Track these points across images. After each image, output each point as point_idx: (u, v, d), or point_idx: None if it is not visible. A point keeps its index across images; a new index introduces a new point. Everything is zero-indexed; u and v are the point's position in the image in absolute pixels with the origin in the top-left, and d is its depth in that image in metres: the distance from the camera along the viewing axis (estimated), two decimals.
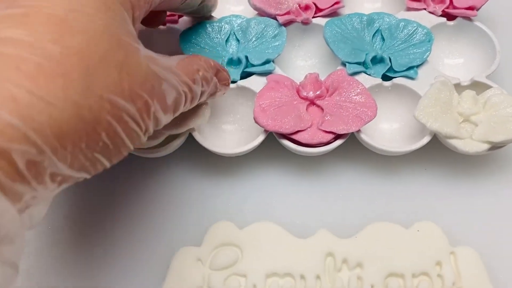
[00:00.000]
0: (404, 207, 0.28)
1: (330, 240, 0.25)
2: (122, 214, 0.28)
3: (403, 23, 0.30)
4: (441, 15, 0.32)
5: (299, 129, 0.26)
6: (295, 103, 0.27)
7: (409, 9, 0.32)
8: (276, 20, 0.31)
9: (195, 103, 0.22)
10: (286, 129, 0.26)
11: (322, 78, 0.28)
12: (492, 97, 0.27)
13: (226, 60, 0.29)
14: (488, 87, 0.29)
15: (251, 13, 0.32)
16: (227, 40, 0.30)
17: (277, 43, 0.30)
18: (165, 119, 0.20)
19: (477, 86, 0.29)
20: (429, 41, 0.30)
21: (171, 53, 0.22)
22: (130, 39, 0.18)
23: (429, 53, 0.29)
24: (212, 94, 0.24)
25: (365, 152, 0.28)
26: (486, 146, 0.26)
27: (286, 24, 0.31)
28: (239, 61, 0.29)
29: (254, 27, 0.30)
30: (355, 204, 0.28)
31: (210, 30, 0.30)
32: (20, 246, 0.15)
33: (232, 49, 0.30)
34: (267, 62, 0.29)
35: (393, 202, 0.28)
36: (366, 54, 0.29)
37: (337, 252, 0.25)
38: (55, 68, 0.15)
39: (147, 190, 0.29)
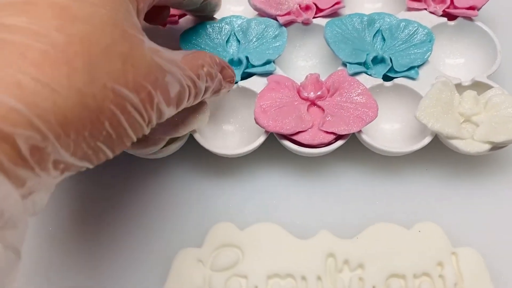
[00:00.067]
0: (405, 207, 0.28)
1: (331, 240, 0.25)
2: (123, 215, 0.28)
3: (404, 23, 0.30)
4: (441, 15, 0.32)
5: (300, 129, 0.26)
6: (296, 103, 0.27)
7: (409, 9, 0.32)
8: (277, 20, 0.31)
9: (199, 99, 0.22)
10: (287, 130, 0.26)
11: (323, 78, 0.28)
12: (493, 97, 0.27)
13: (226, 61, 0.29)
14: (489, 87, 0.28)
15: (251, 13, 0.32)
16: (227, 41, 0.30)
17: (277, 44, 0.30)
18: (168, 112, 0.20)
19: (478, 86, 0.29)
20: (430, 41, 0.30)
21: None
22: (134, 31, 0.18)
23: (430, 53, 0.29)
24: (216, 91, 0.24)
25: (366, 153, 0.28)
26: (487, 147, 0.26)
27: (287, 24, 0.31)
28: (239, 62, 0.29)
29: (254, 27, 0.30)
30: (356, 204, 0.28)
31: (211, 30, 0.30)
32: (22, 232, 0.15)
33: (233, 49, 0.30)
34: (267, 62, 0.29)
35: (394, 202, 0.28)
36: (367, 55, 0.29)
37: (338, 253, 0.25)
38: (59, 56, 0.15)
39: (148, 191, 0.29)
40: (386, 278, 0.24)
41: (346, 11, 0.32)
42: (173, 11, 0.30)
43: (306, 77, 0.28)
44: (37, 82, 0.14)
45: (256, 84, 0.29)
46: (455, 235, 0.26)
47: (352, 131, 0.26)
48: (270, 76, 0.29)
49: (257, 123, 0.26)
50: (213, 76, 0.23)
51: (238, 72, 0.29)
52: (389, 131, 0.30)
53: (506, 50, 0.30)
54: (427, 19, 0.31)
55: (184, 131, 0.25)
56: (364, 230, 0.26)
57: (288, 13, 0.31)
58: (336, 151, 0.27)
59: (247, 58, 0.29)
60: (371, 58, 0.29)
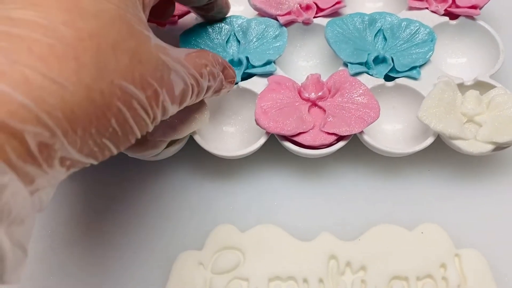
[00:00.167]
0: (407, 208, 0.28)
1: (333, 243, 0.25)
2: (123, 218, 0.28)
3: (405, 23, 0.30)
4: (443, 14, 0.31)
5: (301, 131, 0.26)
6: (296, 104, 0.27)
7: (411, 8, 0.32)
8: (277, 20, 0.30)
9: (201, 97, 0.22)
10: (288, 131, 0.26)
11: (324, 79, 0.28)
12: (496, 97, 0.27)
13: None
14: (491, 86, 0.28)
15: (251, 13, 0.31)
16: (227, 41, 0.30)
17: (278, 44, 0.29)
18: (172, 109, 0.20)
19: (481, 86, 0.29)
20: (431, 40, 0.29)
21: None
22: (141, 27, 0.18)
23: (432, 53, 0.29)
24: (218, 91, 0.24)
25: (368, 154, 0.28)
26: (490, 147, 0.26)
27: (287, 24, 0.31)
28: (239, 62, 0.29)
29: (254, 27, 0.30)
30: (358, 206, 0.28)
31: (210, 31, 0.30)
32: (29, 228, 0.15)
33: (233, 50, 0.30)
34: (268, 63, 0.29)
35: (396, 204, 0.28)
36: (368, 54, 0.29)
37: (340, 255, 0.25)
38: (67, 51, 0.15)
39: (148, 193, 0.29)
40: (389, 280, 0.24)
41: (347, 11, 0.32)
42: None
43: (307, 77, 0.28)
44: (45, 77, 0.14)
45: (256, 84, 0.28)
46: (457, 236, 0.26)
47: (353, 132, 0.26)
48: (271, 76, 0.28)
49: (257, 124, 0.26)
50: (215, 75, 0.23)
51: (238, 73, 0.29)
52: (391, 131, 0.29)
53: (508, 49, 0.30)
54: (428, 18, 0.31)
55: (184, 133, 0.25)
56: (366, 232, 0.26)
57: (289, 13, 0.31)
58: (338, 152, 0.27)
59: (247, 58, 0.29)
60: (372, 58, 0.29)
